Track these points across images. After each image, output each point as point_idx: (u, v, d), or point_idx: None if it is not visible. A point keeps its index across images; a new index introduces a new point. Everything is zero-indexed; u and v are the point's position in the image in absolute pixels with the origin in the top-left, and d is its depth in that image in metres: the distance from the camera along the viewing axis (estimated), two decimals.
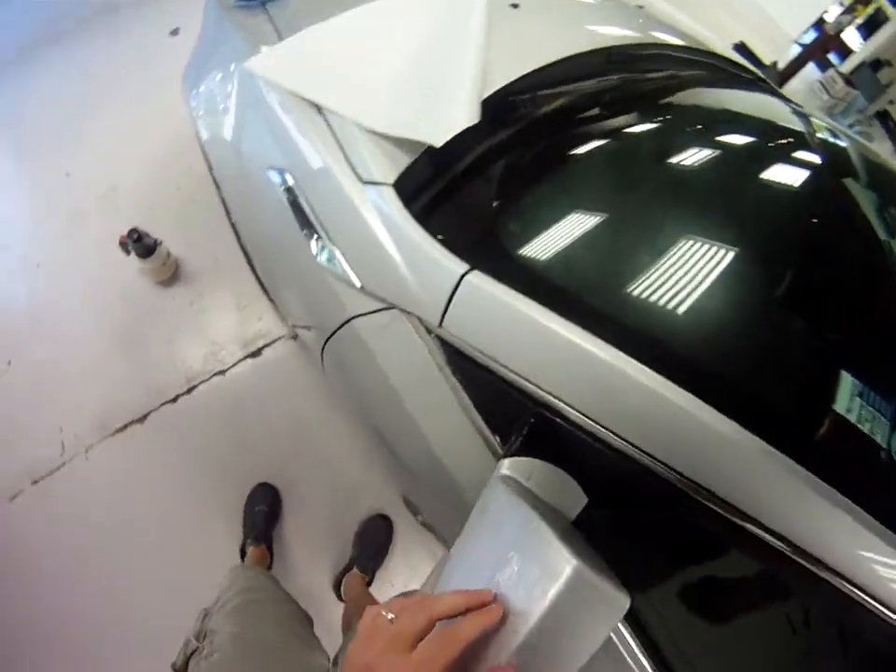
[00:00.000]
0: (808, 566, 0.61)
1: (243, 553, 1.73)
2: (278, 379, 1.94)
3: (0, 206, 2.23)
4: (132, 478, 1.89)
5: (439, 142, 0.84)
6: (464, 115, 0.87)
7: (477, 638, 0.46)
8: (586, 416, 0.65)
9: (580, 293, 0.73)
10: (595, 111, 1.09)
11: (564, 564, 0.48)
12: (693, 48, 1.40)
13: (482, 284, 0.72)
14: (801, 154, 1.01)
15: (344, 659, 0.49)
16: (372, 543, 1.83)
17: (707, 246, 0.78)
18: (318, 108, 0.98)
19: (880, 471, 0.72)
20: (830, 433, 0.72)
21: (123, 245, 1.95)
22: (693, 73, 1.32)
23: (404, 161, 0.88)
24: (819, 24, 2.56)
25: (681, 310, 0.72)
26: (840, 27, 2.46)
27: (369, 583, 1.75)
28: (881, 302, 0.84)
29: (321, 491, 1.88)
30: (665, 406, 0.62)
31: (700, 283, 0.75)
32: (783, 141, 1.06)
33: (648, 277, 0.74)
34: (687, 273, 0.75)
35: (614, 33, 1.27)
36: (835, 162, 1.03)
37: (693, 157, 0.94)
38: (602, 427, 0.64)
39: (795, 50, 2.81)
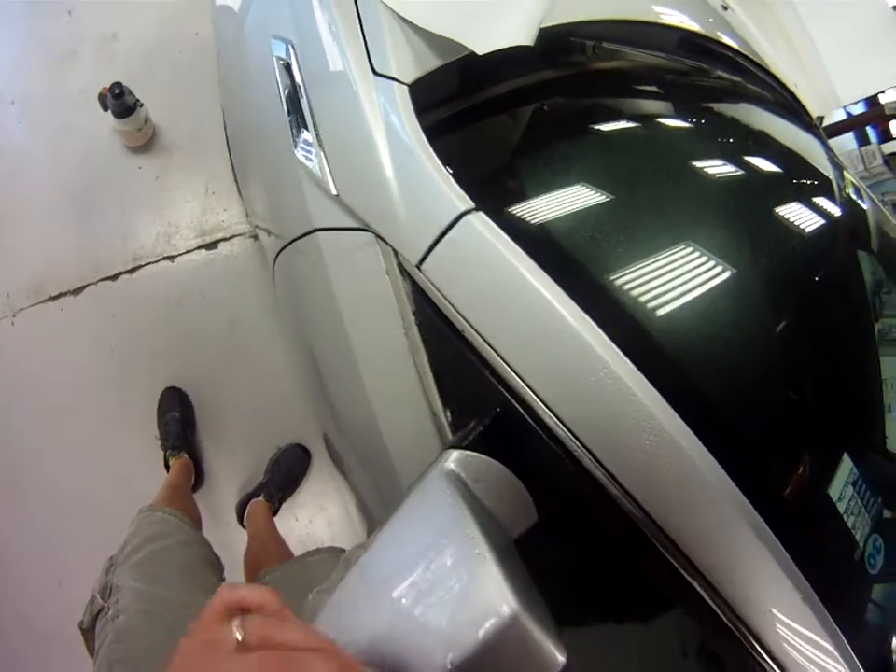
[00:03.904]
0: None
1: (167, 466, 1.54)
2: (227, 278, 1.72)
3: None
4: (52, 356, 1.66)
5: (481, 49, 0.65)
6: (519, 31, 0.68)
7: None
8: (565, 426, 0.49)
9: (596, 276, 0.56)
10: (653, 87, 0.96)
11: (501, 604, 0.38)
12: (762, 66, 1.29)
13: (483, 229, 0.54)
14: (825, 201, 0.90)
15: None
16: (286, 473, 1.67)
17: (716, 264, 0.66)
18: None
19: (848, 570, 0.64)
20: (813, 514, 0.63)
21: (102, 98, 1.64)
22: (754, 89, 1.22)
23: (431, 63, 0.68)
24: (871, 101, 2.50)
25: (697, 342, 0.60)
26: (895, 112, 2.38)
27: (274, 513, 1.59)
28: (856, 389, 0.76)
29: (243, 408, 1.70)
30: (672, 453, 0.48)
31: (713, 311, 0.62)
32: (813, 182, 0.95)
33: (666, 283, 0.60)
34: (699, 289, 0.62)
35: (684, 20, 1.12)
36: (854, 221, 0.94)
37: (725, 168, 0.84)
38: (580, 443, 0.49)
39: (840, 115, 2.80)
